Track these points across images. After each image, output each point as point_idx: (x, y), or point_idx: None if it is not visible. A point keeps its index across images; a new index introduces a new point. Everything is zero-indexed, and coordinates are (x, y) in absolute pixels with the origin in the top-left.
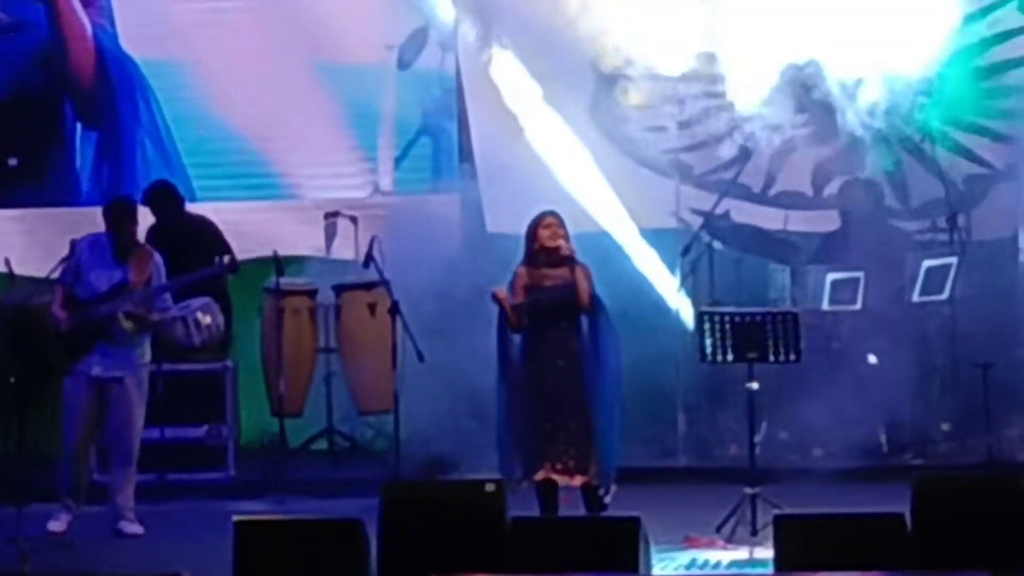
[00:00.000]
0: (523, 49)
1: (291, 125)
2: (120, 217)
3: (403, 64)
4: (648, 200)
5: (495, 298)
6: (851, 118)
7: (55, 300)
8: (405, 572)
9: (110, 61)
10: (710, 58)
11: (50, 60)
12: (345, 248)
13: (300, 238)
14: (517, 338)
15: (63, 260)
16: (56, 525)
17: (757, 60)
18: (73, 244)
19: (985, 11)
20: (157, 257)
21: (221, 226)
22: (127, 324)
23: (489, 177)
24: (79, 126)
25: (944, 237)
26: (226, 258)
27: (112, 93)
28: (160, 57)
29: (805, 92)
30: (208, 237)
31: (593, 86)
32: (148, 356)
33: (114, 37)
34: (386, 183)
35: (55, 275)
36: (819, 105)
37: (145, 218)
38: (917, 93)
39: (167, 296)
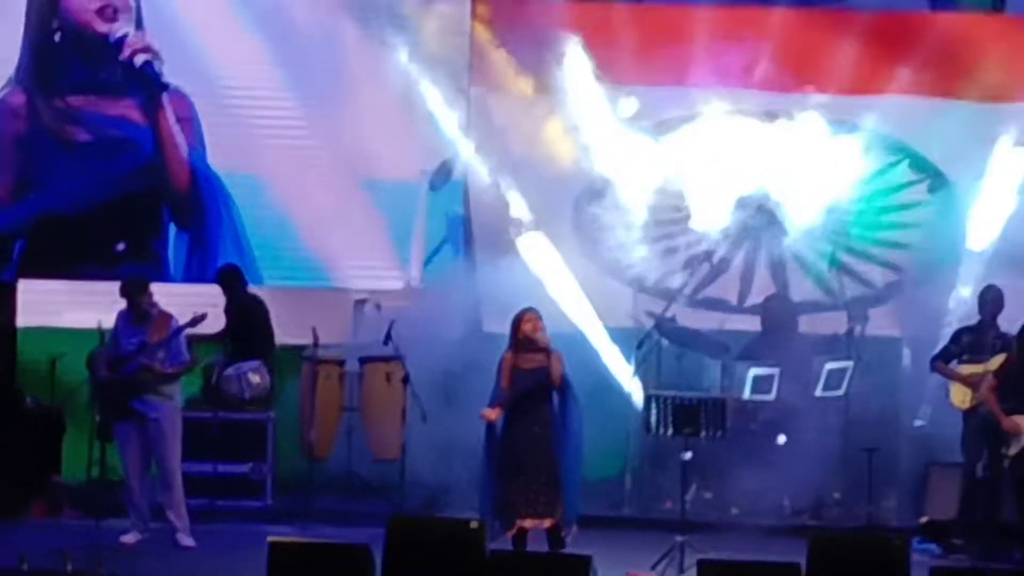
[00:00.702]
0: (522, 176)
1: (341, 227)
2: (131, 292)
3: (433, 187)
4: (611, 303)
5: (484, 418)
6: (789, 240)
7: (102, 361)
8: None
9: (199, 175)
10: (676, 190)
11: (152, 172)
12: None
13: (339, 316)
14: None
15: None
16: (127, 538)
17: (715, 192)
18: (118, 317)
19: (893, 163)
20: (175, 321)
21: (278, 305)
22: (146, 376)
23: (487, 289)
24: (172, 226)
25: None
26: (198, 313)
27: (201, 201)
28: (239, 170)
29: (752, 219)
30: (259, 313)
31: (573, 211)
32: (179, 400)
33: (203, 155)
34: (415, 279)
35: None
36: (763, 230)
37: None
38: (840, 223)
39: (183, 351)
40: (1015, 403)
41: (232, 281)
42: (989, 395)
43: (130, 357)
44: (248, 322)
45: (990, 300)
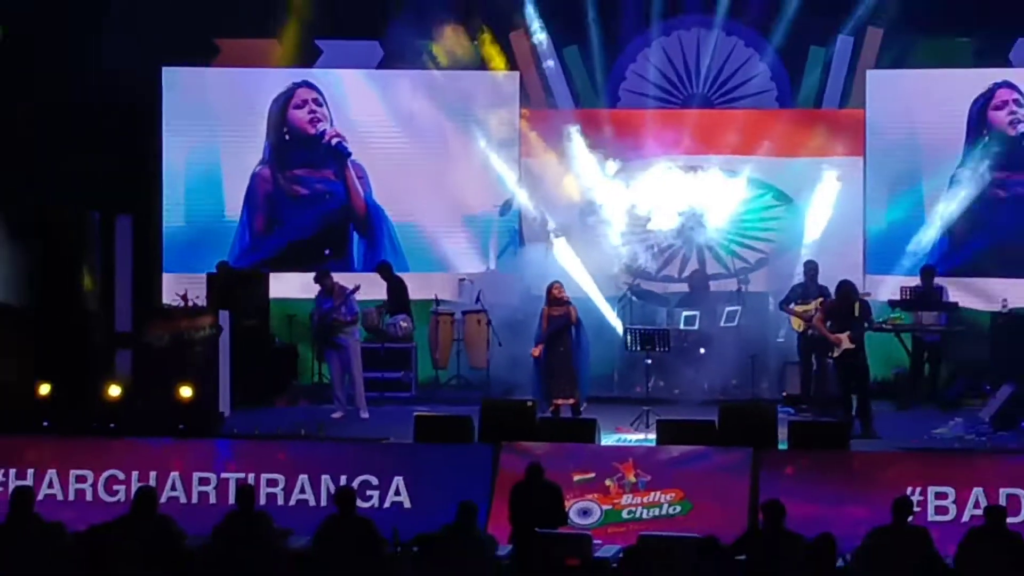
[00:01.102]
0: (551, 206)
1: (450, 239)
2: (320, 278)
3: (502, 214)
4: (604, 277)
5: (532, 355)
6: (705, 238)
7: (314, 316)
8: (490, 440)
9: (370, 206)
10: (641, 211)
11: (344, 208)
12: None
13: (451, 288)
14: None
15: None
16: (335, 414)
17: (664, 210)
18: (317, 295)
19: (762, 194)
20: (347, 289)
21: (418, 282)
22: (335, 324)
23: (534, 267)
24: (356, 236)
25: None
26: (355, 285)
27: (371, 221)
28: (390, 206)
29: (687, 224)
30: (403, 288)
31: (579, 223)
32: (358, 336)
33: (371, 195)
34: (492, 266)
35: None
36: (692, 232)
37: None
38: (731, 226)
39: (353, 306)
40: (836, 326)
41: (384, 270)
42: (819, 323)
43: (327, 314)
44: (398, 293)
45: (809, 268)
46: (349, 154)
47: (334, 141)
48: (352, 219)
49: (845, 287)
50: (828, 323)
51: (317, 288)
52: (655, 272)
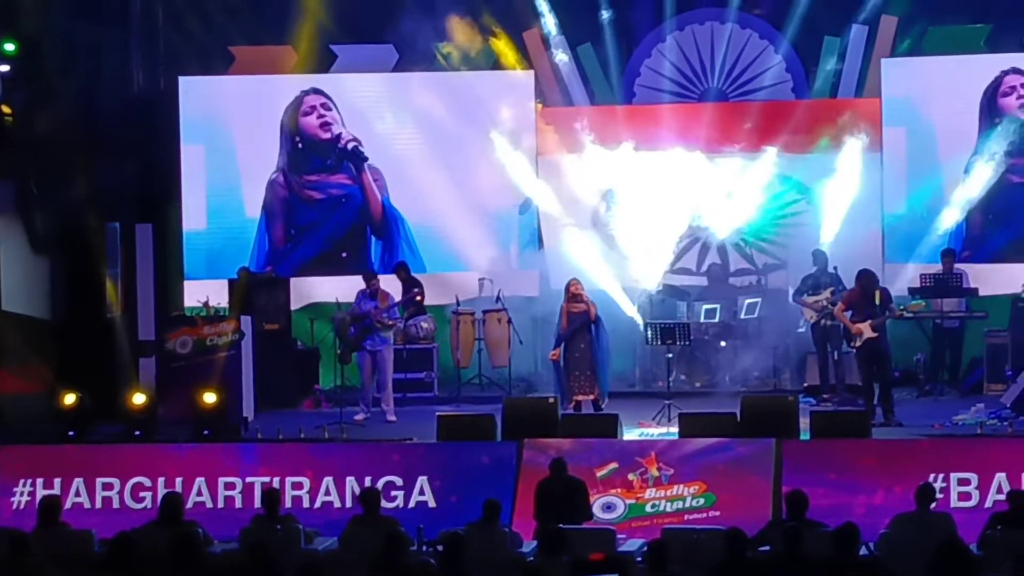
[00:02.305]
0: (568, 202)
1: (472, 239)
2: (367, 278)
3: (522, 212)
4: (625, 274)
5: (551, 358)
6: (726, 232)
7: (351, 316)
8: (513, 438)
9: (387, 209)
10: (659, 205)
11: (361, 212)
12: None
13: (470, 288)
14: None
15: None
16: (358, 417)
17: (682, 204)
18: (359, 293)
19: (781, 186)
20: (392, 296)
21: (437, 283)
22: (377, 325)
23: (553, 264)
24: (373, 238)
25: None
26: (415, 292)
27: (388, 223)
28: (407, 208)
29: (705, 218)
30: (420, 288)
31: (595, 217)
32: (392, 339)
33: (388, 198)
34: (514, 264)
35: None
36: (708, 224)
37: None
38: (746, 226)
39: (395, 312)
40: (857, 316)
41: (401, 271)
42: (839, 313)
43: (366, 315)
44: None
45: (819, 258)
46: (366, 159)
47: (350, 146)
48: (369, 222)
49: (864, 276)
50: (849, 312)
51: (343, 291)
52: (673, 267)
